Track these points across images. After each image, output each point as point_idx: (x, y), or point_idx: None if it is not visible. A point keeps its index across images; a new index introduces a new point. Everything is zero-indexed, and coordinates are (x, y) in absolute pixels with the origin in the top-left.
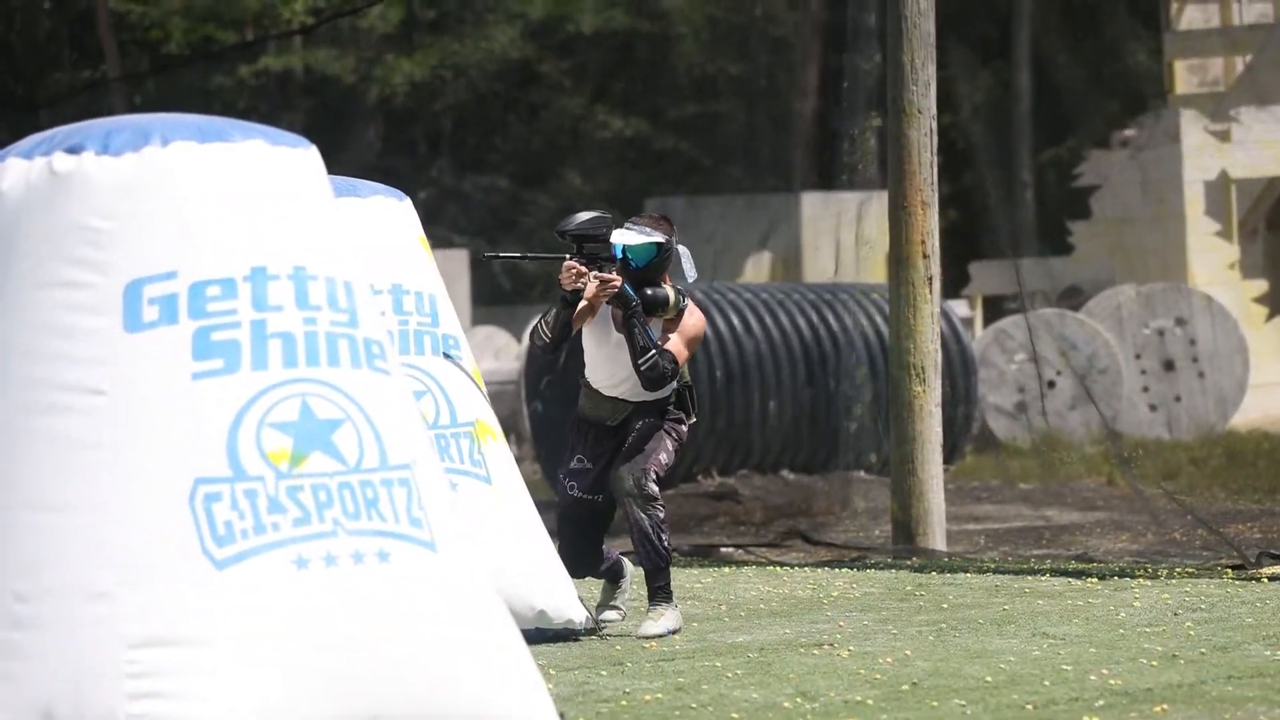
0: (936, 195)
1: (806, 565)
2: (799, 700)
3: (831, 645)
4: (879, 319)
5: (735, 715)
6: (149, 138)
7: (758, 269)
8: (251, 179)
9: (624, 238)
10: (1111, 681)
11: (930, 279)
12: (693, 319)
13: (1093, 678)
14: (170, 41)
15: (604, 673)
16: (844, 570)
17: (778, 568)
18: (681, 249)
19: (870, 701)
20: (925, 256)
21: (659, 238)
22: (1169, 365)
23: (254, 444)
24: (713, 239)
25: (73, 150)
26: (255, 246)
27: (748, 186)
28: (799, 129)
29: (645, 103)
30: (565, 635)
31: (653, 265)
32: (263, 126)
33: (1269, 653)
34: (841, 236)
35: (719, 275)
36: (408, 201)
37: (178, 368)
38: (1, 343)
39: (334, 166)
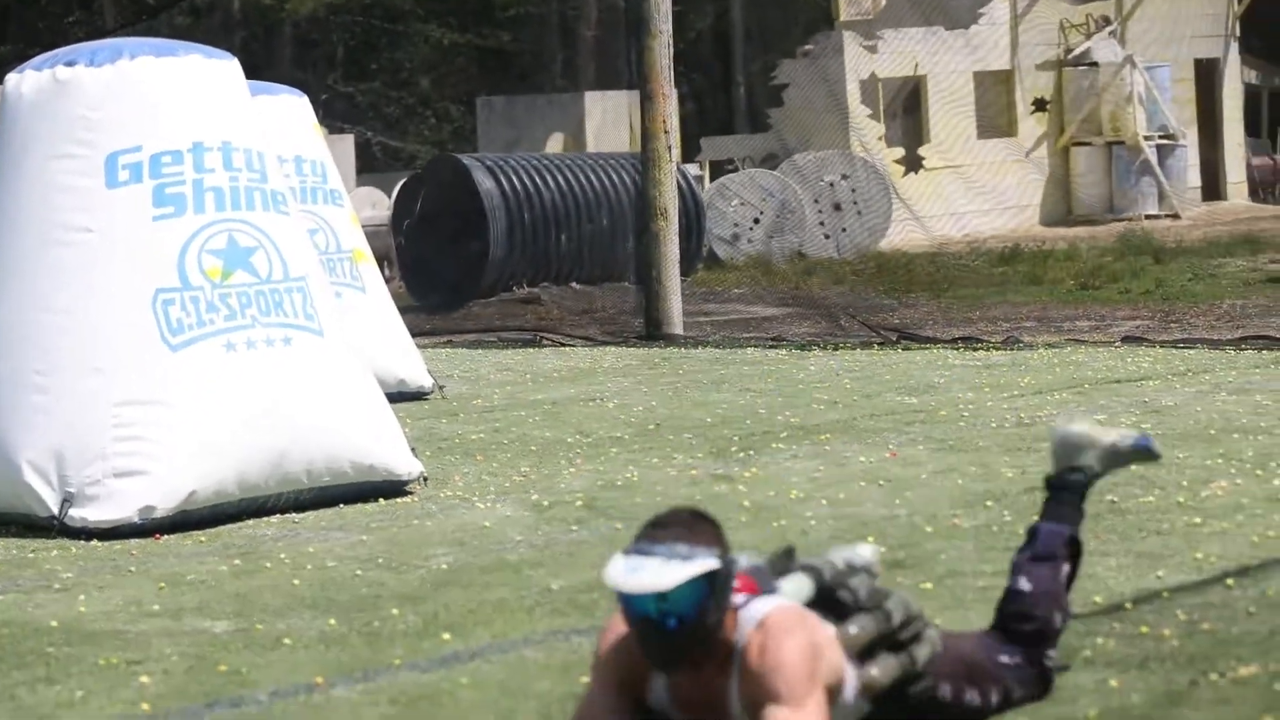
0: (674, 89)
1: (585, 345)
2: (579, 436)
3: (601, 400)
4: (636, 176)
5: (534, 447)
6: (122, 53)
7: (554, 146)
8: (192, 82)
9: (637, 581)
10: (792, 419)
11: (670, 147)
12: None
13: (779, 417)
14: None
15: (444, 421)
16: (611, 349)
17: (567, 347)
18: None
19: (626, 436)
20: (665, 131)
21: (707, 563)
22: (837, 206)
23: (196, 265)
24: (522, 125)
25: (70, 64)
26: (195, 127)
27: (548, 89)
28: (584, 45)
29: (473, 26)
30: (420, 395)
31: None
32: (200, 45)
33: (899, 398)
34: (612, 123)
35: (532, 148)
36: (305, 98)
37: (142, 213)
38: (24, 196)
39: (260, 75)
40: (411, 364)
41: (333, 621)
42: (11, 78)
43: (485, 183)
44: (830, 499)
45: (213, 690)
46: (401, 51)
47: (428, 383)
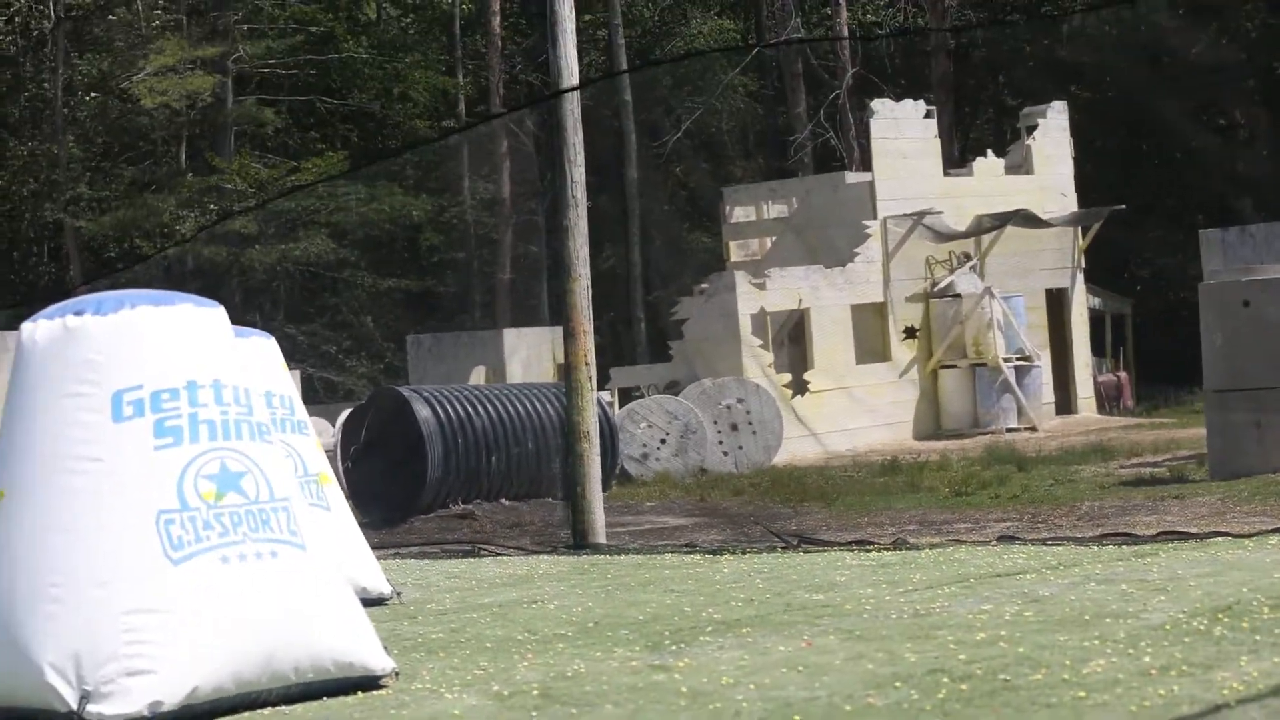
0: (592, 325)
1: (520, 554)
2: (527, 634)
3: (543, 601)
4: (556, 403)
5: (488, 644)
6: (124, 304)
7: (477, 378)
8: (185, 327)
9: None
10: (715, 615)
11: (590, 377)
12: None
13: (703, 614)
14: (108, 249)
15: (404, 623)
16: (544, 557)
17: (504, 557)
18: None
19: (570, 633)
20: (587, 364)
21: None
22: (734, 426)
23: (193, 488)
24: (449, 359)
25: (78, 313)
26: (189, 367)
27: (470, 326)
28: (501, 288)
29: (410, 273)
30: (380, 601)
31: None
32: (191, 295)
33: (807, 595)
34: (529, 356)
35: (459, 380)
36: (273, 339)
37: (145, 443)
38: (38, 430)
39: None
40: (371, 573)
41: None
42: (26, 326)
43: (423, 411)
44: (757, 684)
45: None
46: (339, 296)
47: (387, 589)
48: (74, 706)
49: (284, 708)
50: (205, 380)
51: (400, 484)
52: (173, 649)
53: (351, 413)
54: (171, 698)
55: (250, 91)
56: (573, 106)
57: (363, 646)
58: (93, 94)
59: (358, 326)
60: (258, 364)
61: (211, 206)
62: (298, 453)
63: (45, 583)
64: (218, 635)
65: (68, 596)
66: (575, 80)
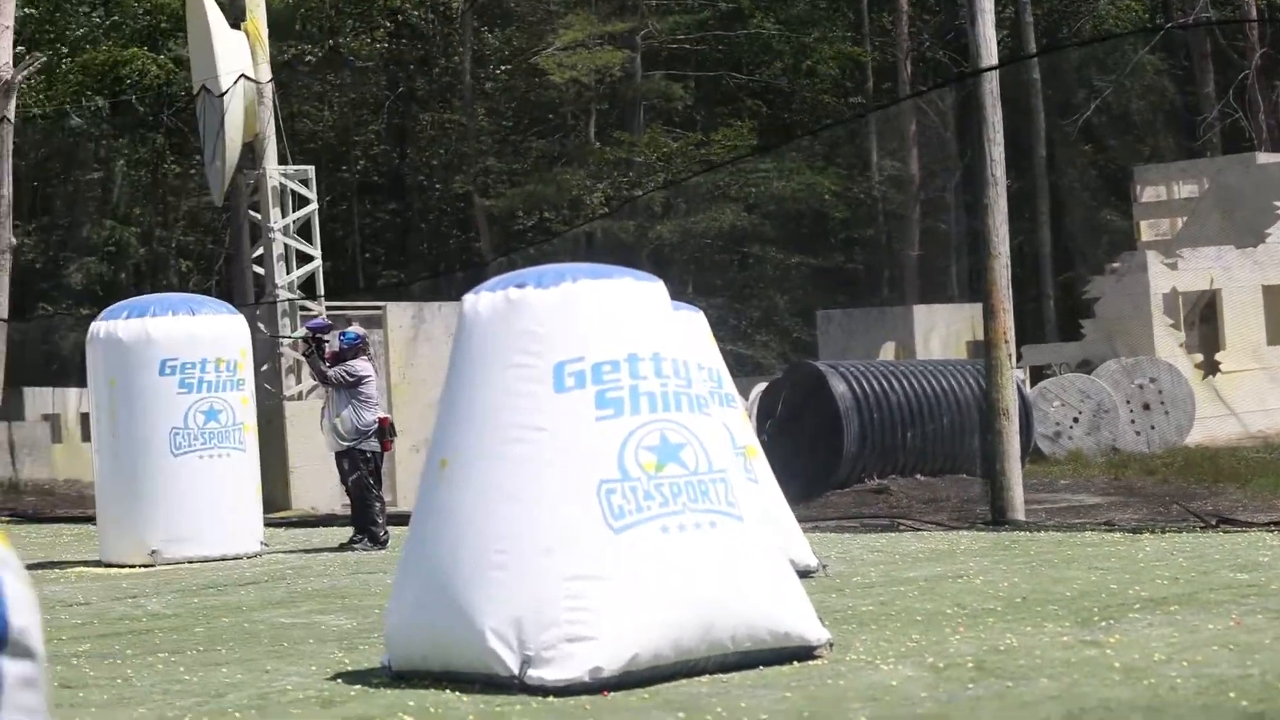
0: (1011, 303)
1: (939, 530)
2: (956, 608)
3: (968, 576)
4: (972, 380)
5: (918, 618)
6: (565, 277)
7: (886, 354)
8: (626, 301)
9: None
10: (1141, 593)
11: (1010, 355)
12: None
13: (1129, 591)
14: (517, 221)
15: (833, 595)
16: (964, 533)
17: (923, 532)
18: None
19: (999, 608)
20: (1006, 341)
21: None
22: (1146, 406)
23: (634, 458)
24: (857, 335)
25: (520, 286)
26: (630, 340)
27: (878, 302)
28: (910, 267)
29: (818, 249)
30: (807, 573)
31: None
32: (630, 269)
33: (1233, 574)
34: (939, 332)
35: (866, 356)
36: (701, 314)
37: (586, 414)
38: (480, 400)
39: None
40: (798, 545)
41: None
42: (469, 298)
43: (839, 387)
44: (1189, 660)
45: None
46: (748, 271)
47: (814, 562)
48: (515, 671)
49: (721, 676)
50: (645, 353)
51: (816, 458)
52: (614, 616)
53: (767, 387)
54: (611, 664)
55: (658, 66)
56: (992, 85)
57: (798, 617)
58: (503, 67)
59: (766, 301)
60: (687, 337)
61: (621, 179)
62: (726, 426)
63: (490, 549)
64: (657, 603)
65: (512, 563)
66: (994, 59)
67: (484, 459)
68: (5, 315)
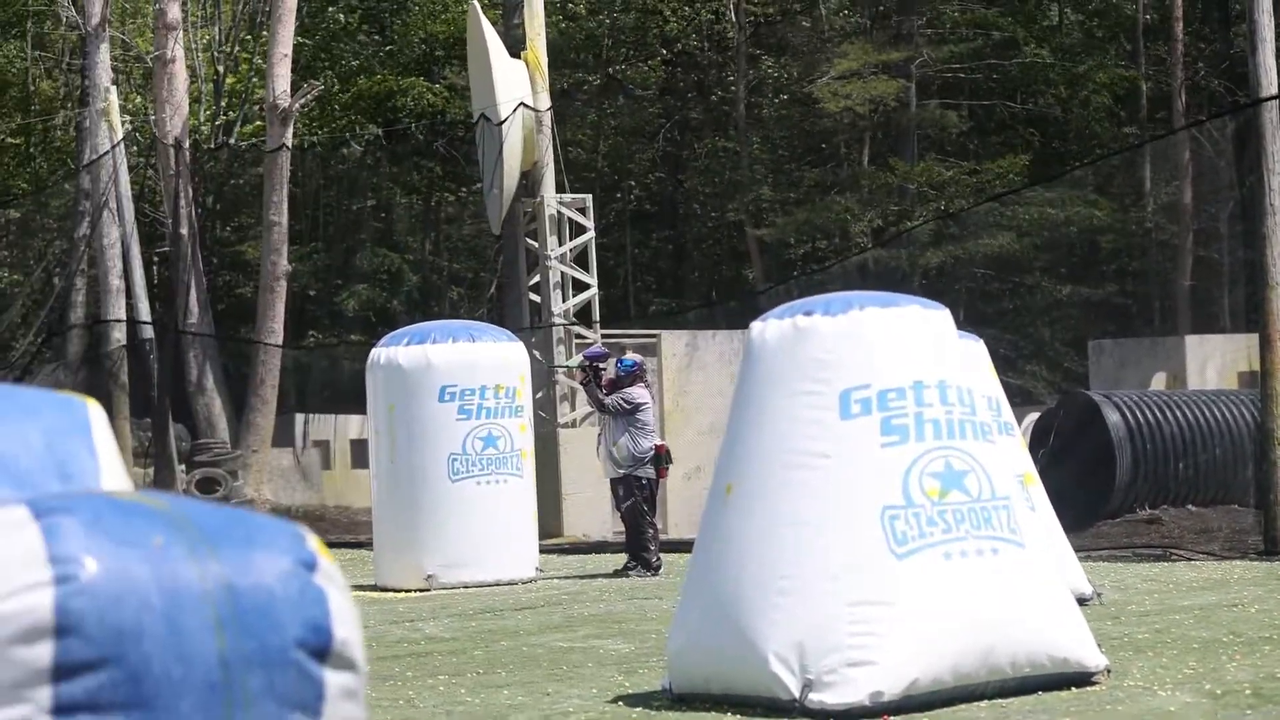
0: None
1: (1211, 560)
2: (1231, 636)
3: (1243, 605)
4: (1243, 410)
5: (1195, 645)
6: (852, 305)
7: (1157, 384)
8: (912, 329)
9: None
10: None
11: None
12: None
13: None
14: (788, 250)
15: (1108, 623)
16: (1236, 563)
17: (1196, 561)
18: None
19: (1276, 636)
20: None
21: None
22: None
23: (918, 485)
24: (1129, 365)
25: (808, 314)
26: (915, 368)
27: (1149, 332)
28: (1181, 297)
29: (1089, 279)
30: (1082, 601)
31: None
32: (915, 297)
33: None
34: (1211, 363)
35: (1138, 386)
36: (981, 343)
37: (872, 441)
38: (768, 426)
39: None
40: (1074, 572)
41: None
42: (755, 325)
43: (1113, 417)
44: None
45: None
46: (1019, 299)
47: (1088, 590)
48: (796, 695)
49: (1000, 701)
50: (931, 380)
51: (1088, 487)
52: (895, 641)
53: (1040, 416)
54: (892, 689)
55: (932, 95)
56: (1271, 114)
57: (1077, 643)
58: (780, 96)
59: (1037, 330)
60: (971, 365)
61: (892, 208)
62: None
63: (774, 574)
64: (939, 629)
65: (796, 588)
66: (1275, 88)
67: (769, 485)
68: (280, 341)
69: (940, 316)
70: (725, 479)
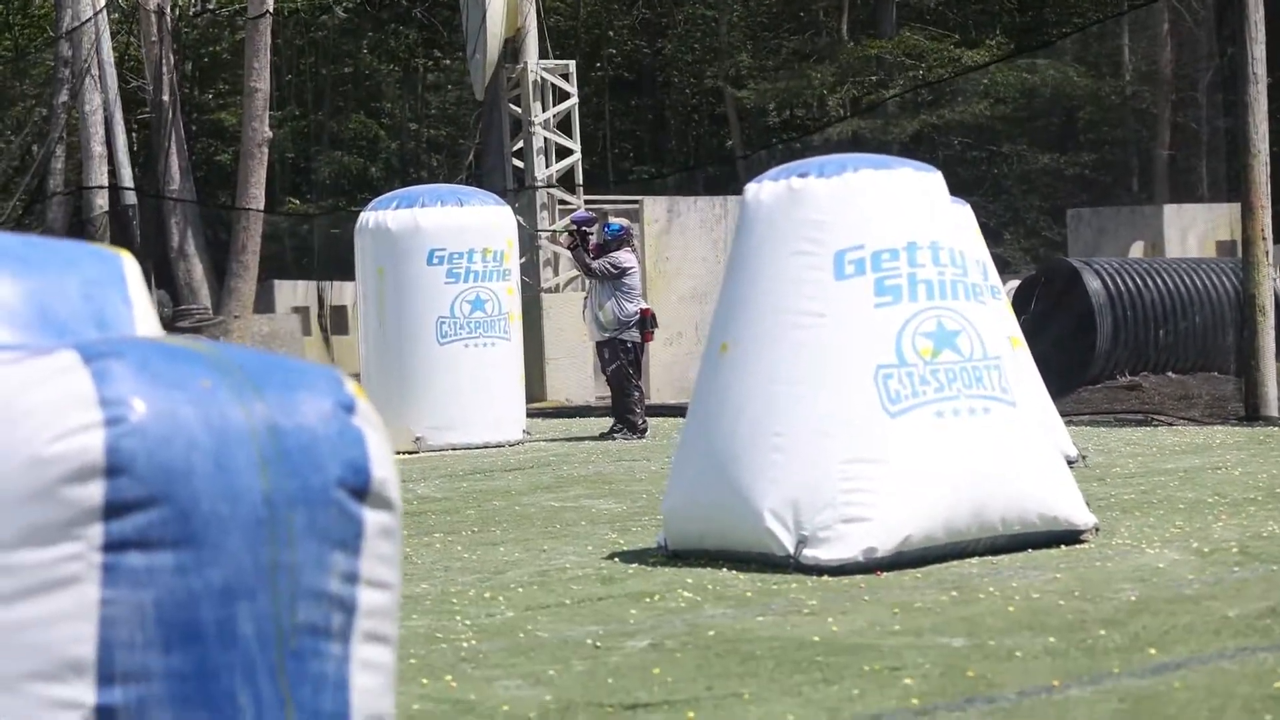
0: (1269, 201)
1: (1192, 425)
2: (1216, 497)
3: (1226, 468)
4: (1224, 278)
5: (1180, 506)
6: (845, 167)
7: (1135, 253)
8: (905, 190)
9: None
10: None
11: (1268, 253)
12: None
13: None
14: (767, 117)
15: (1094, 484)
16: (1218, 428)
17: (1178, 426)
18: None
19: (1259, 498)
20: (1264, 239)
21: None
22: None
23: (911, 345)
24: (1107, 234)
25: (802, 175)
26: (908, 229)
27: (1127, 201)
28: (1160, 167)
29: (1067, 147)
30: (1069, 463)
31: None
32: (909, 160)
33: None
34: (1188, 232)
35: (1116, 255)
36: (968, 206)
37: (866, 301)
38: (762, 287)
39: None
40: (1061, 436)
41: (1051, 639)
42: (751, 187)
43: (1093, 284)
44: None
45: (967, 690)
46: (997, 168)
47: (1073, 452)
48: (791, 550)
49: (991, 557)
50: (924, 241)
51: (1069, 354)
52: (888, 498)
53: (1021, 284)
54: (885, 544)
55: None
56: None
57: (1066, 501)
58: None
59: (1015, 199)
60: (965, 224)
61: (870, 78)
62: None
63: (769, 431)
64: (931, 486)
65: (790, 446)
66: None
67: (764, 343)
68: (261, 207)
69: (933, 179)
70: (721, 338)
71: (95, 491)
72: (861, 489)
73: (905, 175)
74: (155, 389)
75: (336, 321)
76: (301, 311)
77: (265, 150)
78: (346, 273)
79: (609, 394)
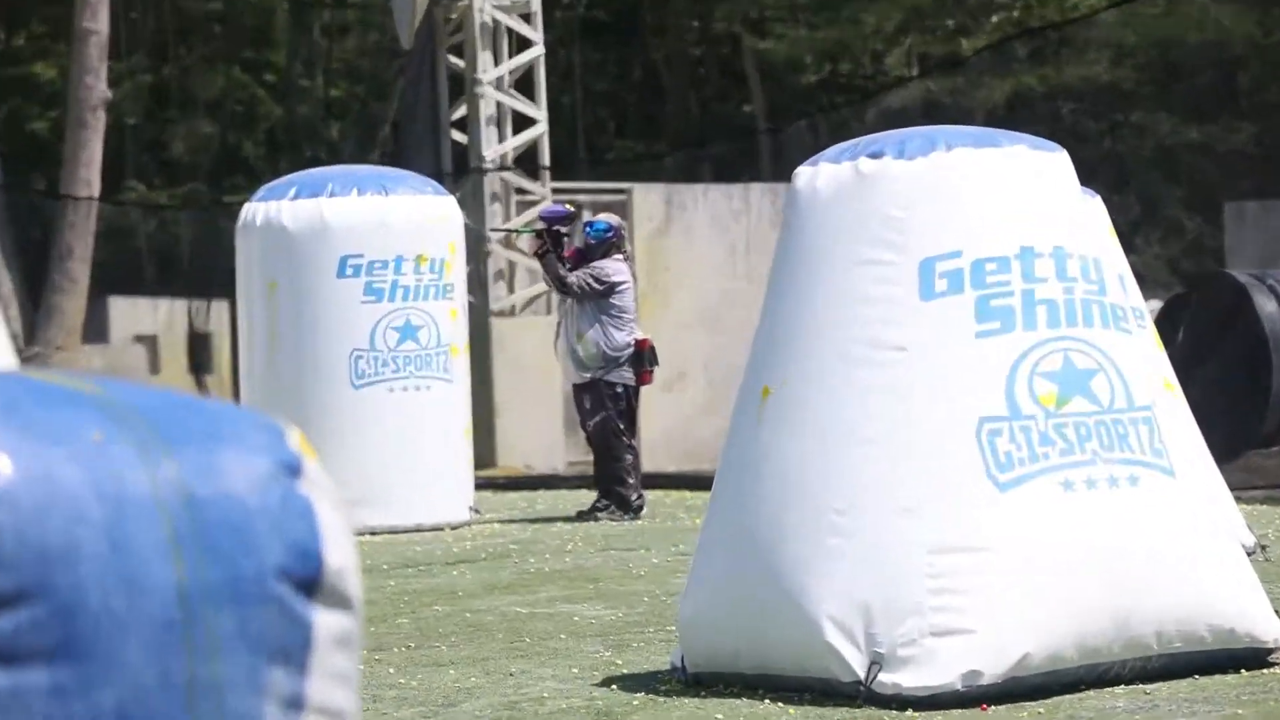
0: None
1: None
2: None
3: None
4: None
5: None
6: (935, 144)
7: None
8: (1018, 177)
9: None
10: None
11: None
12: None
13: None
14: (798, 75)
15: (1277, 585)
16: None
17: None
18: None
19: None
20: None
21: None
22: None
23: (1027, 389)
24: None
25: (874, 155)
26: (1023, 230)
27: None
28: None
29: (1224, 118)
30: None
31: None
32: (1023, 135)
33: None
34: None
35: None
36: (1099, 198)
37: (963, 328)
38: (820, 309)
39: None
40: (1231, 516)
41: None
42: (803, 171)
43: (1267, 306)
44: None
45: None
46: (1124, 144)
47: (1249, 540)
48: (860, 675)
49: (1143, 686)
50: (1044, 246)
51: (1231, 404)
52: (996, 602)
53: (1164, 305)
54: (993, 667)
55: None
56: None
57: (1246, 607)
58: None
59: (1150, 188)
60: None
61: (946, 23)
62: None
63: (828, 508)
64: (1058, 585)
65: (858, 529)
66: None
67: (821, 388)
68: (96, 194)
69: (1056, 160)
70: (761, 380)
71: None
72: (959, 589)
73: (1019, 155)
74: (26, 442)
75: (201, 355)
76: (148, 341)
77: (102, 116)
78: (218, 287)
79: (589, 457)
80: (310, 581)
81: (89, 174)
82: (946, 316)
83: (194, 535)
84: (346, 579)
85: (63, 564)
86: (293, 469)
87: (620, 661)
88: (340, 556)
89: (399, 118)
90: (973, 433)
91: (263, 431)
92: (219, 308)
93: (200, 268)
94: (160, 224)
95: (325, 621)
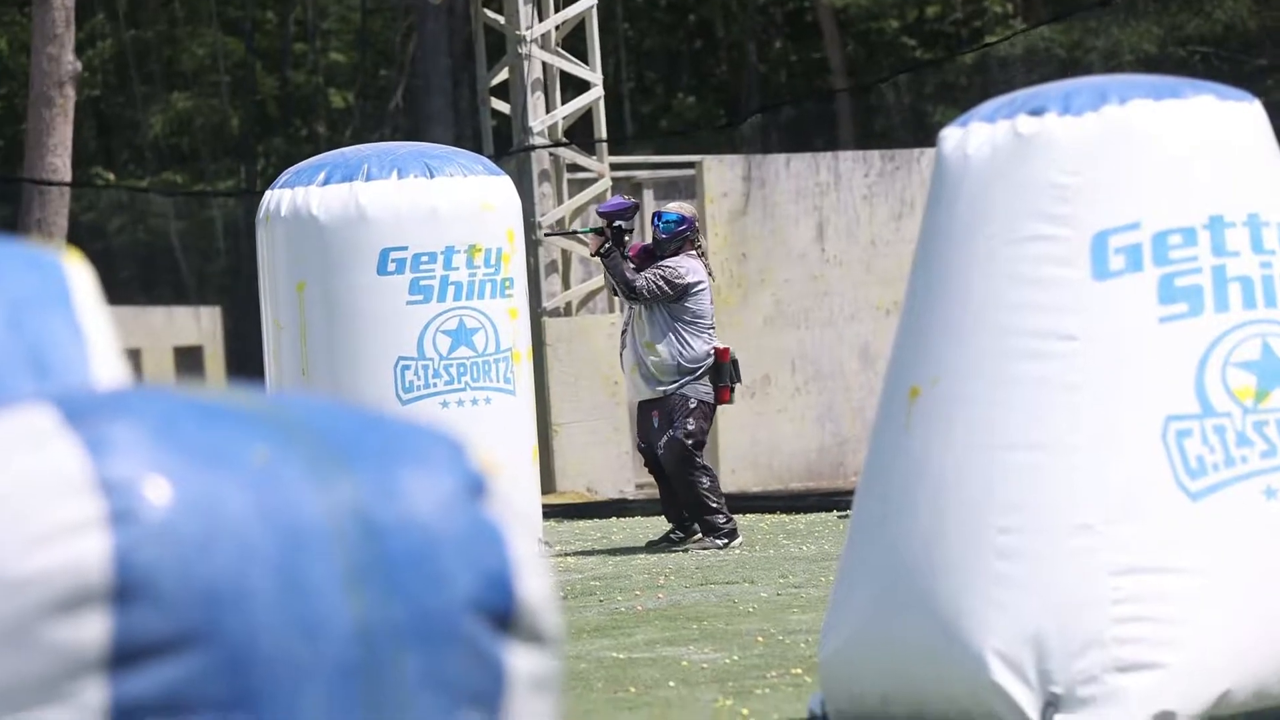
0: None
1: None
2: None
3: None
4: None
5: None
6: (1107, 97)
7: None
8: (1205, 133)
9: None
10: None
11: None
12: None
13: None
14: (884, 26)
15: None
16: None
17: None
18: None
19: None
20: None
21: None
22: None
23: (1220, 382)
24: None
25: (1035, 112)
26: (1212, 196)
27: None
28: None
29: None
30: None
31: None
32: (1210, 83)
33: None
34: None
35: None
36: None
37: (1145, 312)
38: (976, 294)
39: None
40: None
41: None
42: (951, 133)
43: None
44: None
45: None
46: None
47: None
48: (1034, 716)
49: None
50: (1237, 215)
51: None
52: (1192, 630)
53: None
54: (1188, 705)
55: None
56: None
57: None
58: None
59: None
60: None
61: None
62: None
63: (992, 526)
64: (1262, 609)
65: (1028, 548)
66: None
67: (980, 385)
68: (68, 179)
69: (1249, 112)
70: (908, 380)
71: (95, 629)
72: (1147, 616)
73: (1205, 108)
74: (184, 465)
75: (189, 370)
76: (131, 356)
77: (71, 92)
78: (212, 291)
79: (655, 480)
80: (504, 616)
81: (58, 160)
82: (1124, 299)
83: (374, 568)
84: (542, 613)
85: (229, 605)
86: (478, 489)
87: (746, 710)
88: (534, 587)
89: (414, 83)
90: (1158, 434)
91: (442, 446)
92: (211, 314)
93: (191, 268)
94: (136, 218)
95: (521, 662)
